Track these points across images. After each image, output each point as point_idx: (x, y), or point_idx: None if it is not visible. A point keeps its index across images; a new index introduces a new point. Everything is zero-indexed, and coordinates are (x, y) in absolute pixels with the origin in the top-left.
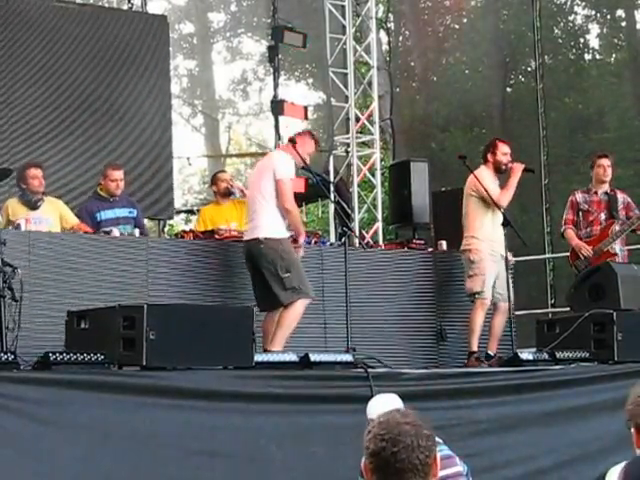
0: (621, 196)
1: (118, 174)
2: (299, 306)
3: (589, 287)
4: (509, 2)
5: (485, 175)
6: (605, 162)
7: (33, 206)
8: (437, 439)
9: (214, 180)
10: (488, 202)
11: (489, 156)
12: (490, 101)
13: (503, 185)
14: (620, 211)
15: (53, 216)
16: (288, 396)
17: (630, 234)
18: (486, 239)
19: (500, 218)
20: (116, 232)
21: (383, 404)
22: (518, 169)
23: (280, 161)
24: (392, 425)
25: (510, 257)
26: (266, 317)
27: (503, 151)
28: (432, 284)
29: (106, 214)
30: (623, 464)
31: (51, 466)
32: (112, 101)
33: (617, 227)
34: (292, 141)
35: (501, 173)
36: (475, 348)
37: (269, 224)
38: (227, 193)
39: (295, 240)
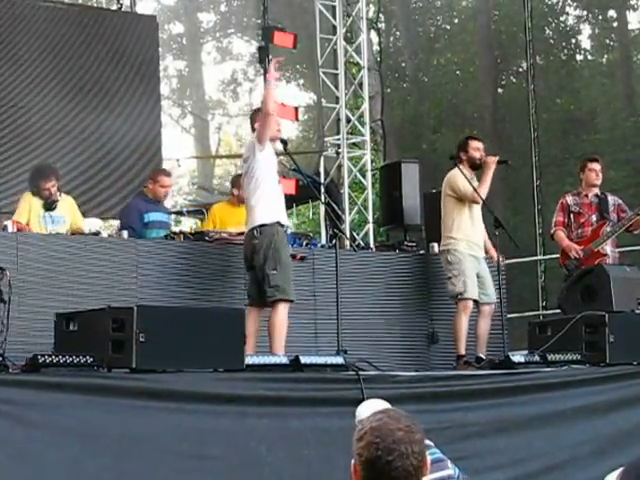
0: (611, 198)
1: (168, 181)
2: (282, 310)
3: (581, 289)
4: (500, 2)
5: (459, 174)
6: (596, 166)
7: (49, 207)
8: (428, 442)
9: (237, 184)
10: (465, 201)
11: (462, 154)
12: (481, 102)
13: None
14: (611, 213)
15: (68, 214)
16: (279, 399)
17: (623, 234)
18: (464, 239)
19: (478, 216)
20: (104, 234)
21: (372, 409)
22: (492, 162)
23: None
24: (385, 433)
25: (501, 259)
26: (249, 315)
27: (474, 146)
28: (423, 286)
29: (154, 216)
30: (620, 470)
31: (39, 469)
32: (100, 102)
33: (608, 228)
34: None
35: (477, 169)
36: (463, 352)
37: (262, 211)
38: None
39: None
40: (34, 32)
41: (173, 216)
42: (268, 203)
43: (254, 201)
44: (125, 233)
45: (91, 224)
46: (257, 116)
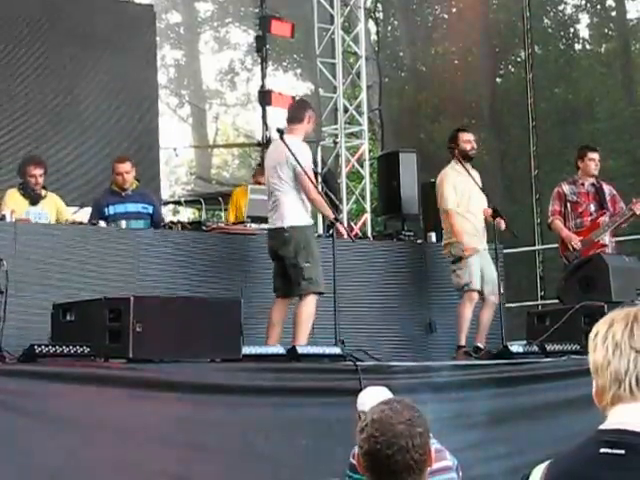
0: (607, 187)
1: (123, 167)
2: (311, 301)
3: (580, 279)
4: None
5: (446, 176)
6: (596, 156)
7: (33, 201)
8: None
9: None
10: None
11: (453, 146)
12: (479, 91)
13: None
14: (608, 203)
15: (52, 211)
16: (276, 389)
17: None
18: (465, 232)
19: (479, 211)
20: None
21: (374, 397)
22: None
23: (297, 149)
24: (386, 426)
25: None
26: (275, 306)
27: (464, 139)
28: (421, 275)
29: (115, 208)
30: (546, 463)
31: (36, 459)
32: (98, 91)
33: (607, 218)
34: (300, 120)
35: (470, 160)
36: (463, 342)
37: (293, 212)
38: None
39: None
40: (31, 19)
41: (172, 206)
42: (300, 205)
43: (289, 198)
44: (124, 223)
45: (87, 213)
46: (306, 110)
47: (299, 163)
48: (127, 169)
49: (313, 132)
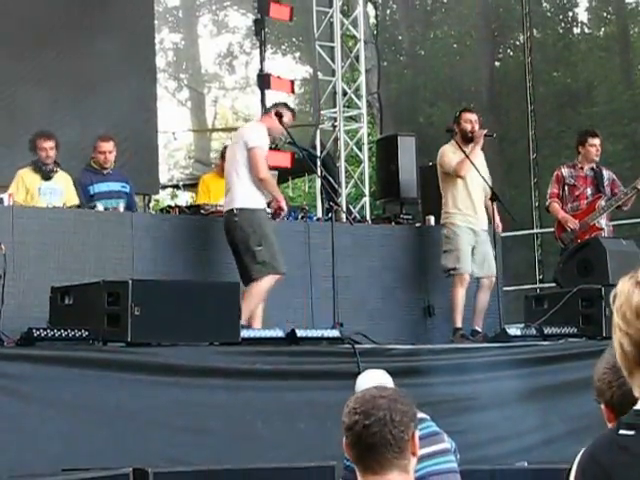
0: (606, 172)
1: (107, 146)
2: (266, 281)
3: (577, 262)
4: None
5: (447, 149)
6: (597, 142)
7: (46, 176)
8: (424, 415)
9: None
10: (453, 176)
11: (456, 127)
12: (478, 75)
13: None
14: (606, 187)
15: (65, 187)
16: (274, 372)
17: (614, 210)
18: (459, 212)
19: (476, 190)
20: (100, 207)
21: (372, 379)
22: (479, 136)
23: (251, 130)
24: (367, 399)
25: (498, 225)
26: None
27: (465, 118)
28: (420, 259)
29: (99, 187)
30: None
31: (35, 442)
32: (96, 75)
33: (603, 202)
34: (267, 112)
35: (470, 141)
36: (459, 324)
37: (243, 195)
38: None
39: (277, 211)
40: (29, 4)
41: (170, 190)
42: (253, 188)
43: (242, 181)
44: (121, 205)
45: None
46: (278, 107)
47: (250, 141)
48: (110, 148)
49: (280, 132)
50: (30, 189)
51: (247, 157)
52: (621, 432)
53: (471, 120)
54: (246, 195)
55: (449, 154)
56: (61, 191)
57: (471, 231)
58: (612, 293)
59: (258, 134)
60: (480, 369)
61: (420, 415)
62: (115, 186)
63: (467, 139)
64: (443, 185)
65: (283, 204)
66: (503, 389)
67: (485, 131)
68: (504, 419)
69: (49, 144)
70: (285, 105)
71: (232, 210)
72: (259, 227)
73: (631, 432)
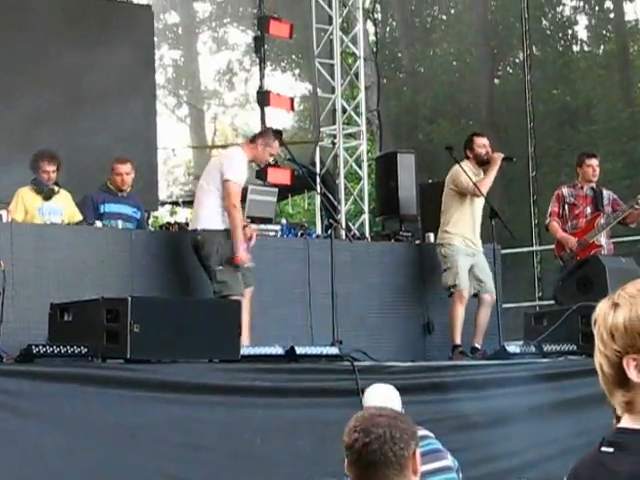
0: (606, 192)
1: (124, 168)
2: None
3: (577, 280)
4: None
5: (462, 170)
6: (595, 162)
7: (47, 196)
8: (427, 433)
9: None
10: (466, 196)
11: (468, 152)
12: (478, 92)
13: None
14: (606, 206)
15: (65, 207)
16: (273, 389)
17: (617, 226)
18: (460, 233)
19: (478, 212)
20: (98, 224)
21: (379, 394)
22: (497, 159)
23: (233, 160)
24: (366, 417)
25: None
26: None
27: (479, 143)
28: (419, 276)
29: (110, 207)
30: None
31: (34, 459)
32: (96, 91)
33: (602, 220)
34: (253, 141)
35: (484, 165)
36: (458, 341)
37: (207, 216)
38: None
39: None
40: (29, 19)
41: (169, 207)
42: (219, 210)
43: (210, 202)
44: (120, 223)
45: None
46: (263, 137)
47: (228, 173)
48: (127, 170)
49: (265, 161)
50: (30, 209)
51: (220, 183)
52: (602, 449)
53: (485, 144)
54: (210, 216)
55: (466, 174)
56: (61, 211)
57: (469, 251)
58: (593, 315)
59: (238, 167)
60: (479, 387)
61: (423, 432)
62: (127, 210)
63: (482, 162)
64: (447, 205)
65: (239, 254)
66: (502, 407)
67: (503, 155)
68: (504, 437)
69: (52, 167)
70: (273, 133)
71: (195, 230)
72: (221, 247)
73: (610, 449)
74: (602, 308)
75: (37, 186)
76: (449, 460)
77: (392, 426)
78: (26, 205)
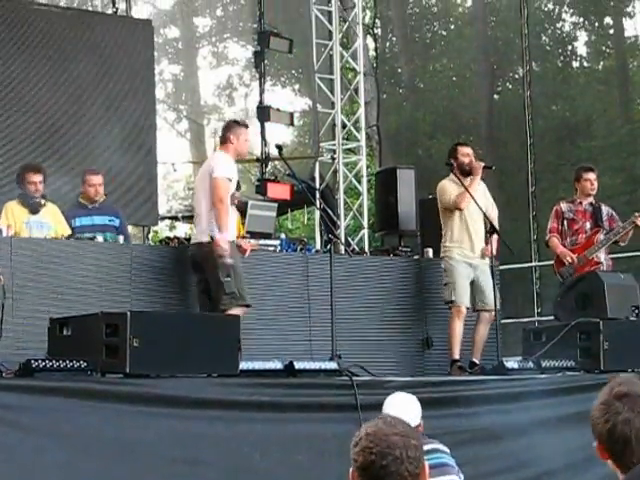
0: (605, 208)
1: (96, 179)
2: (235, 313)
3: (576, 296)
4: (497, 9)
5: (445, 184)
6: (592, 176)
7: (34, 210)
8: (438, 446)
9: None
10: (453, 210)
11: (452, 161)
12: (477, 108)
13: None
14: (604, 222)
15: (53, 221)
16: (272, 404)
17: (612, 245)
18: (456, 247)
19: (475, 224)
20: (100, 238)
21: (399, 403)
22: (478, 168)
23: (218, 160)
24: (380, 437)
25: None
26: None
27: (463, 152)
28: (418, 291)
29: (81, 221)
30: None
31: (33, 473)
32: (96, 106)
33: (602, 236)
34: (224, 141)
35: (468, 175)
36: (457, 356)
37: (213, 227)
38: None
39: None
40: (29, 35)
41: (168, 221)
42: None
43: (211, 213)
44: (121, 238)
45: None
46: (230, 131)
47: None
48: (99, 181)
49: (246, 148)
50: (17, 223)
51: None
52: None
53: (468, 154)
54: (214, 228)
55: (448, 189)
56: (49, 225)
57: (468, 265)
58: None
59: (225, 165)
60: (478, 402)
61: (434, 446)
62: (100, 220)
63: (465, 172)
64: (443, 219)
65: (218, 236)
66: (501, 422)
67: (483, 164)
68: (502, 452)
69: (38, 178)
70: (236, 124)
71: (201, 243)
72: (227, 254)
73: None
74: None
75: (24, 200)
76: (455, 476)
77: (407, 446)
78: (14, 219)
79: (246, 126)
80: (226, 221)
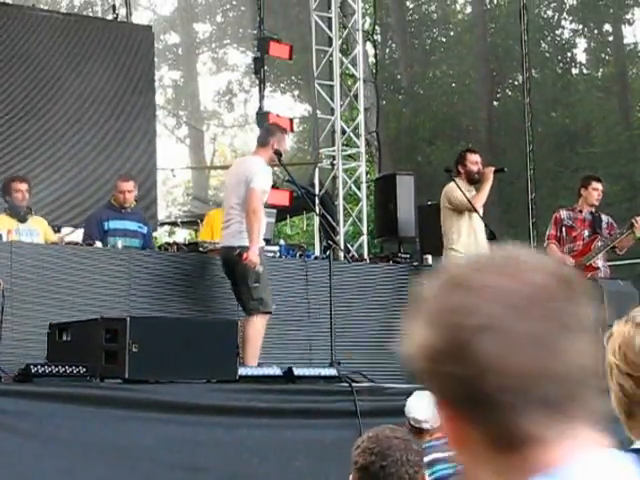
0: (605, 217)
1: (126, 185)
2: (259, 321)
3: None
4: (496, 15)
5: (455, 186)
6: (601, 186)
7: (21, 218)
8: (443, 455)
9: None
10: (462, 212)
11: (460, 168)
12: (477, 115)
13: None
14: (604, 230)
15: (42, 229)
16: (271, 410)
17: (610, 252)
18: (463, 250)
19: (479, 227)
20: (99, 244)
21: (420, 401)
22: (489, 173)
23: (257, 169)
24: (381, 439)
25: None
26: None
27: (472, 160)
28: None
29: (114, 224)
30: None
31: (32, 478)
32: (96, 112)
33: (599, 242)
34: (265, 144)
35: (475, 182)
36: None
37: (244, 232)
38: None
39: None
40: (30, 42)
41: (168, 227)
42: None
43: (242, 218)
44: (120, 242)
45: (81, 234)
46: (273, 135)
47: (253, 181)
48: (130, 188)
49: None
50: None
51: (246, 193)
52: None
53: (477, 162)
54: (246, 233)
55: (458, 191)
56: (38, 232)
57: None
58: (606, 336)
59: (263, 175)
60: None
61: (438, 455)
62: (131, 225)
63: (474, 180)
64: (446, 223)
65: (253, 248)
66: None
67: (494, 168)
68: None
69: (24, 186)
70: (279, 130)
71: (232, 246)
72: (258, 265)
73: None
74: (623, 330)
75: (11, 209)
76: None
77: (407, 449)
78: (3, 226)
79: (287, 132)
80: (258, 233)
